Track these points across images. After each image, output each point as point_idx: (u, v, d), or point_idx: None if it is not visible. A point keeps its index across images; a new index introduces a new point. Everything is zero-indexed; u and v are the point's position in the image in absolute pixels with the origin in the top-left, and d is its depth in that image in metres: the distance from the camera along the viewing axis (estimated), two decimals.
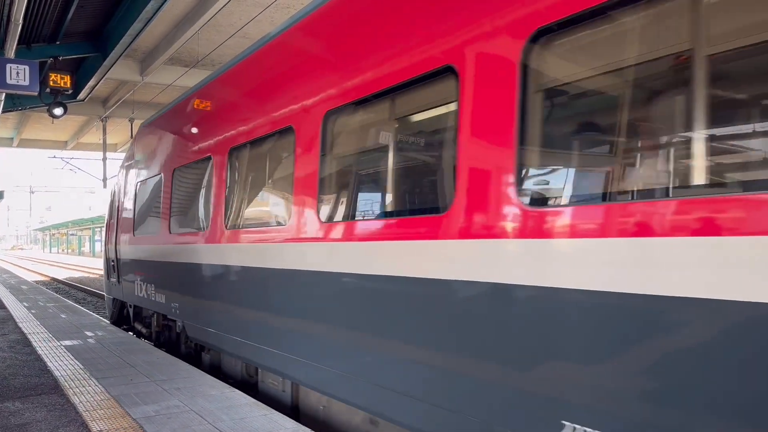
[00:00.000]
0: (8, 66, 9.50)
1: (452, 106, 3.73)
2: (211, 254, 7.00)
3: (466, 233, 3.49)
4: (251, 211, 6.66)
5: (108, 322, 11.34)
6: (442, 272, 3.67)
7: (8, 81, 9.47)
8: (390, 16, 4.29)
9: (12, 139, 31.73)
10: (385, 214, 4.71)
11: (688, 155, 2.87)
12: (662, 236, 2.57)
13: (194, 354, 8.31)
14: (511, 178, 3.21)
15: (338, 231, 4.72)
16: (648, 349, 2.62)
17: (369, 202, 5.22)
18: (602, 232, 2.80)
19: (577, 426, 2.89)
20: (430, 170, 4.45)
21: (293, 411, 5.66)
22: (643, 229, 2.64)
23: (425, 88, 4.05)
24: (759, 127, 2.75)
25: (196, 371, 6.61)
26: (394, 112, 4.49)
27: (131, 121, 24.96)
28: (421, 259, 3.85)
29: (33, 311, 12.53)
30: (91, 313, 12.61)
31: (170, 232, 8.41)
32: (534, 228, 3.08)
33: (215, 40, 16.60)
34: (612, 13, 2.87)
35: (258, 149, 6.37)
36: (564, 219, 2.98)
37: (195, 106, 8.02)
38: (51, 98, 14.53)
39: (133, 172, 10.52)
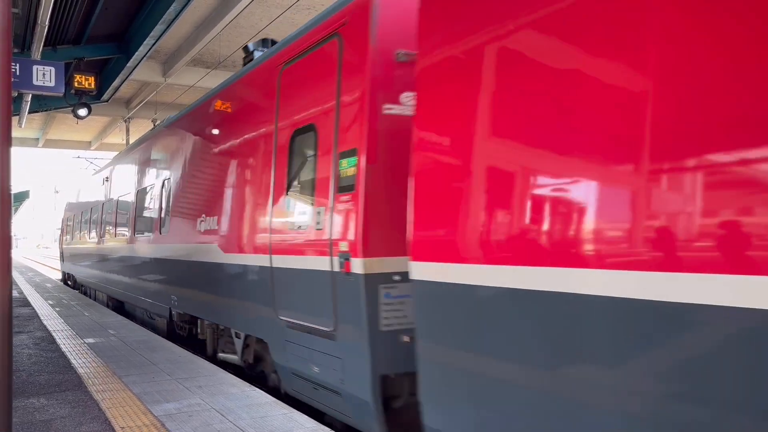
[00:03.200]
0: (34, 67, 9.65)
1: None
2: (76, 250, 18.49)
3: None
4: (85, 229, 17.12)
5: (129, 321, 11.51)
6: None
7: (35, 82, 9.62)
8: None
9: (38, 139, 32.26)
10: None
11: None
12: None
13: (83, 290, 18.80)
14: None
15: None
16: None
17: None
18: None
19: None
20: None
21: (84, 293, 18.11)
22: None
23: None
24: None
25: (218, 369, 6.65)
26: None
27: (154, 121, 25.24)
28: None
29: (57, 309, 12.72)
30: (113, 311, 12.77)
31: (72, 239, 19.53)
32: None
33: (237, 41, 16.72)
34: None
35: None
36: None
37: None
38: (75, 99, 14.75)
39: (67, 211, 21.89)
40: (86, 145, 34.21)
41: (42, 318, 11.11)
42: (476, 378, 3.41)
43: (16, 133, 29.73)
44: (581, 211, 2.80)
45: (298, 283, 5.39)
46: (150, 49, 14.42)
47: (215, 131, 7.79)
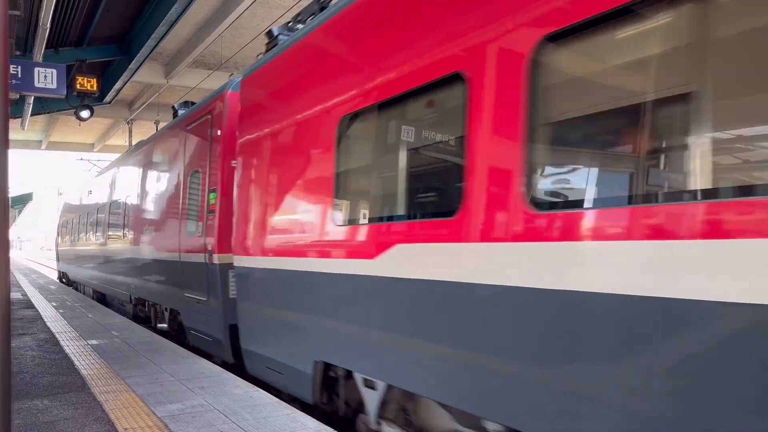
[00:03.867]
0: (36, 69, 9.66)
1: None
2: (67, 251, 21.52)
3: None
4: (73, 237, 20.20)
5: (132, 322, 11.53)
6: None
7: (36, 84, 9.63)
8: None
9: (41, 141, 32.31)
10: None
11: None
12: None
13: (74, 286, 21.17)
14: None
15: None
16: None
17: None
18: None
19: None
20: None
21: (69, 283, 22.50)
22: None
23: None
24: None
25: (222, 371, 6.65)
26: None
27: (157, 123, 25.27)
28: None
29: (61, 311, 12.74)
30: (116, 313, 12.78)
31: (64, 242, 22.14)
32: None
33: (238, 42, 16.73)
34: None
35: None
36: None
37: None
38: (78, 101, 14.77)
39: (61, 217, 24.73)
40: (89, 147, 34.24)
41: (45, 320, 11.12)
42: (257, 317, 6.27)
43: (18, 135, 29.82)
44: (274, 232, 5.86)
45: (191, 271, 8.44)
46: (152, 51, 14.43)
47: (153, 167, 10.79)
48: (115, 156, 34.32)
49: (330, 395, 5.37)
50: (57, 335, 9.25)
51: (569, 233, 2.95)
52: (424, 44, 4.00)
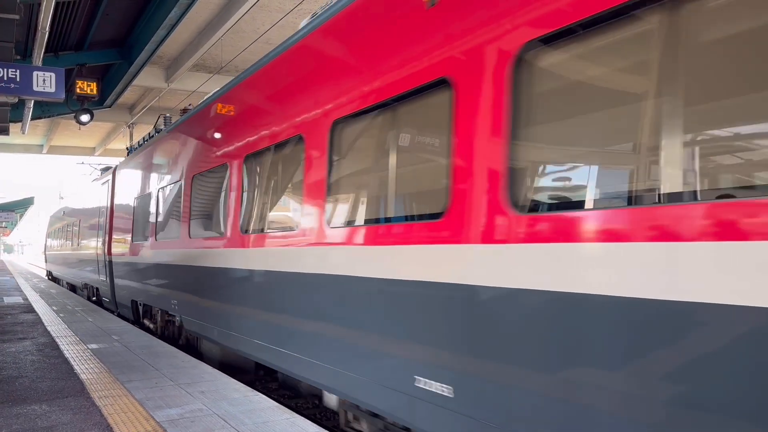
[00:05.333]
0: (35, 74, 9.62)
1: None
2: (51, 255, 31.43)
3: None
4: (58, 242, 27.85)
5: (133, 326, 11.53)
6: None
7: (35, 88, 9.58)
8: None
9: (42, 146, 32.34)
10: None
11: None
12: None
13: (56, 281, 29.71)
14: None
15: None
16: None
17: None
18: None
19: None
20: None
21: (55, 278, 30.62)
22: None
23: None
24: None
25: (220, 375, 6.63)
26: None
27: (156, 126, 25.26)
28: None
29: (61, 315, 12.72)
30: (117, 317, 12.77)
31: (49, 247, 32.15)
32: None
33: (239, 45, 16.73)
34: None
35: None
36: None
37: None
38: (78, 105, 14.77)
39: (47, 228, 34.10)
40: (90, 151, 34.27)
41: (46, 324, 11.10)
42: (118, 284, 13.62)
43: (19, 139, 29.83)
44: (119, 244, 13.64)
45: (102, 265, 15.22)
46: (152, 55, 14.43)
47: (90, 202, 17.86)
48: (116, 160, 34.37)
49: (143, 317, 11.61)
50: (57, 339, 9.23)
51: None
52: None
